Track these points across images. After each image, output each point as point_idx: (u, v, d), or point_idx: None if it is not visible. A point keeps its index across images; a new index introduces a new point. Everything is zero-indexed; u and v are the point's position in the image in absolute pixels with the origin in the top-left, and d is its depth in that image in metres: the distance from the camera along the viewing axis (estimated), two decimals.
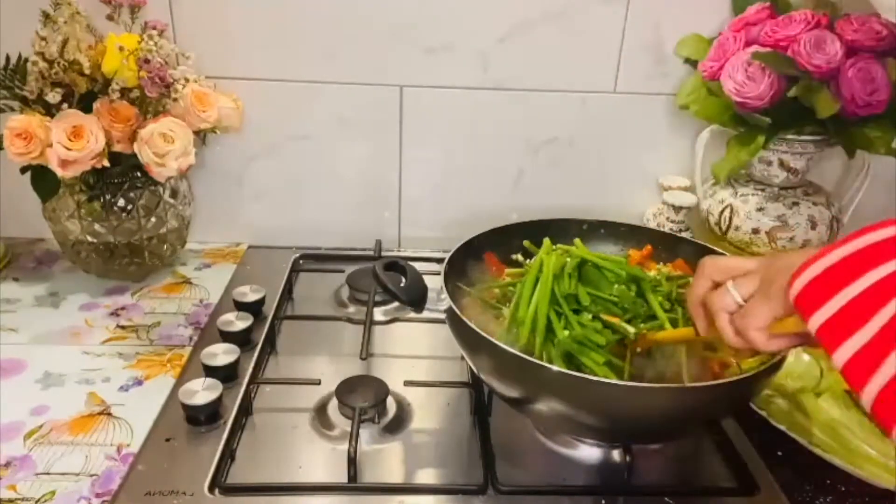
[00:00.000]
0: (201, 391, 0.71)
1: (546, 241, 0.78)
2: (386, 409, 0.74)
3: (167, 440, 0.69)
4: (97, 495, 0.62)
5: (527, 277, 0.71)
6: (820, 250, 0.46)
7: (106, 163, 0.84)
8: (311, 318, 0.90)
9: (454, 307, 0.67)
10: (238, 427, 0.71)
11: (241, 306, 0.89)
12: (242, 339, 0.83)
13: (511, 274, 0.78)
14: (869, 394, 0.41)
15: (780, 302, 0.49)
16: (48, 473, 0.64)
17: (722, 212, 1.01)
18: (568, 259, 0.72)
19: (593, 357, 0.63)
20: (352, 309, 0.94)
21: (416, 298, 0.70)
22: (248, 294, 0.90)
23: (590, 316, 0.67)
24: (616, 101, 1.03)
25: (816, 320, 0.44)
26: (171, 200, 0.95)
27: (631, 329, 0.65)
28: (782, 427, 0.70)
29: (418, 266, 0.74)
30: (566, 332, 0.65)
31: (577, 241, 0.78)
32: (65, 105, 0.83)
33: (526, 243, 0.81)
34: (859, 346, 0.42)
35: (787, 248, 0.98)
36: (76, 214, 0.91)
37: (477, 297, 0.76)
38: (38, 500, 0.62)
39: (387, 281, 0.70)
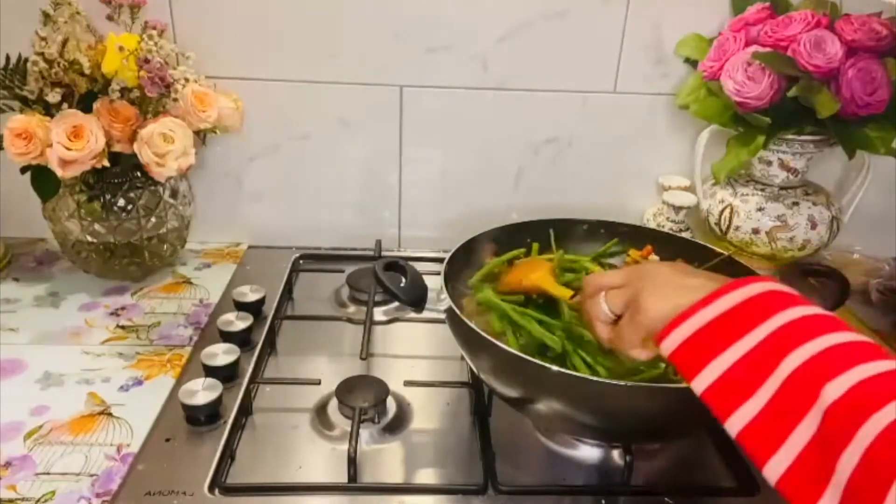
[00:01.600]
0: (201, 391, 0.71)
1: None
2: (386, 409, 0.74)
3: (167, 440, 0.69)
4: (97, 495, 0.62)
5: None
6: (684, 310, 0.47)
7: (106, 163, 0.84)
8: (311, 318, 0.90)
9: (454, 307, 0.67)
10: (238, 427, 0.71)
11: (241, 306, 0.89)
12: (242, 339, 0.83)
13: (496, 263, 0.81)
14: (772, 471, 0.41)
15: (645, 329, 0.51)
16: (48, 473, 0.64)
17: (722, 212, 1.01)
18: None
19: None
20: (352, 309, 0.94)
21: (416, 298, 0.70)
22: (248, 294, 0.90)
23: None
24: (616, 101, 1.03)
25: (699, 385, 0.45)
26: (171, 200, 0.95)
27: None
28: None
29: (418, 266, 0.74)
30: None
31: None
32: (65, 105, 0.83)
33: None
34: (750, 416, 0.42)
35: (787, 248, 0.98)
36: (76, 214, 0.91)
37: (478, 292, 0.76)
38: (38, 500, 0.62)
39: (387, 281, 0.70)
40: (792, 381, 0.41)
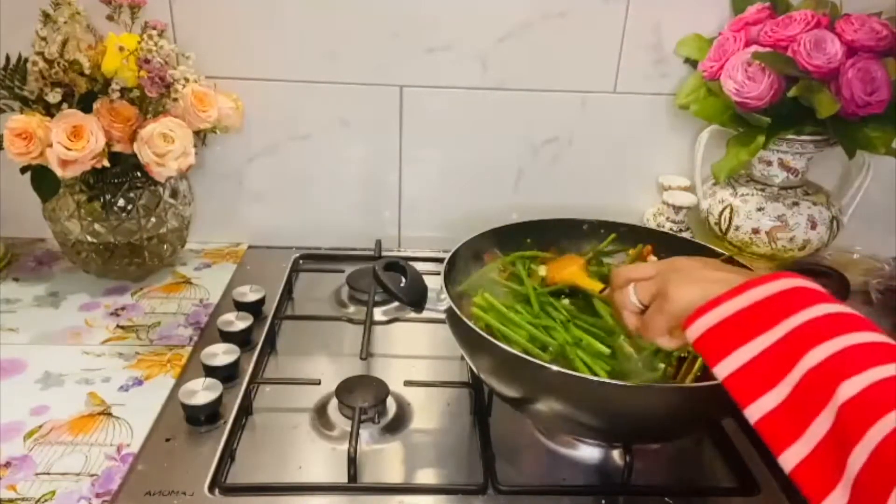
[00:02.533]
0: (201, 391, 0.71)
1: None
2: (386, 409, 0.74)
3: (167, 440, 0.69)
4: (97, 495, 0.62)
5: None
6: (712, 299, 0.48)
7: (106, 163, 0.84)
8: (311, 318, 0.90)
9: (454, 307, 0.67)
10: (238, 427, 0.71)
11: (241, 306, 0.89)
12: (242, 339, 0.83)
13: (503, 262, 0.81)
14: (788, 461, 0.42)
15: (673, 318, 0.52)
16: (48, 473, 0.64)
17: (722, 212, 1.01)
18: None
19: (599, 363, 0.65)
20: (352, 309, 0.94)
21: (416, 298, 0.70)
22: (248, 294, 0.90)
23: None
24: (616, 101, 1.03)
25: (722, 371, 0.46)
26: (171, 200, 0.95)
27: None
28: None
29: (418, 266, 0.74)
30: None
31: None
32: (65, 105, 0.83)
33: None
34: (770, 407, 0.44)
35: (787, 248, 0.98)
36: (76, 214, 0.91)
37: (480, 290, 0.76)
38: (38, 500, 0.62)
39: (387, 281, 0.70)
40: (810, 378, 0.42)
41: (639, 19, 0.98)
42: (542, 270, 0.80)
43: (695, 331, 0.49)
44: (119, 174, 0.90)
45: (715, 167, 0.97)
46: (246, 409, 0.73)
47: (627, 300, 0.58)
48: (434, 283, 0.72)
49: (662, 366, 0.67)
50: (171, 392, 0.75)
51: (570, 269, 0.76)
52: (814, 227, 0.97)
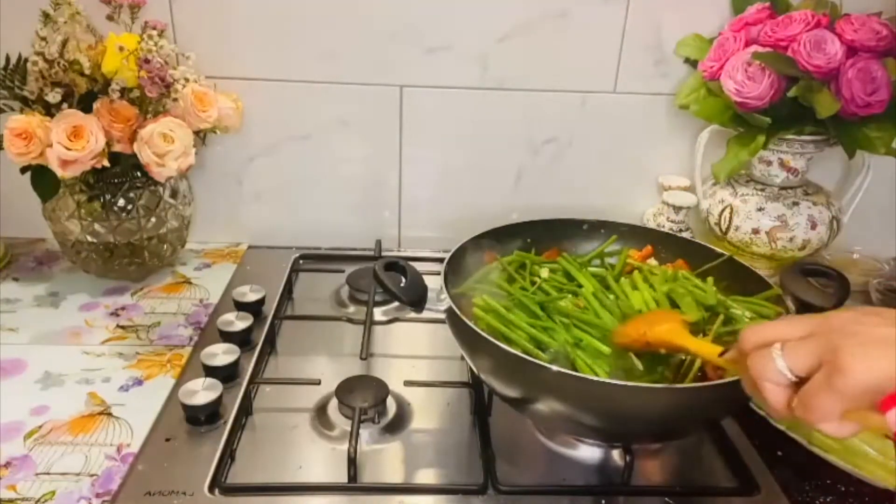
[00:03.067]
0: (201, 391, 0.71)
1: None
2: (386, 409, 0.74)
3: (167, 440, 0.69)
4: (97, 495, 0.62)
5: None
6: None
7: (106, 163, 0.84)
8: (311, 318, 0.90)
9: (454, 307, 0.67)
10: (238, 427, 0.71)
11: (241, 306, 0.89)
12: (242, 339, 0.83)
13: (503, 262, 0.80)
14: None
15: (851, 398, 0.39)
16: (48, 473, 0.64)
17: (722, 212, 1.01)
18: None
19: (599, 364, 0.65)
20: (352, 309, 0.94)
21: (416, 298, 0.70)
22: (248, 294, 0.90)
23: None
24: (616, 101, 1.03)
25: None
26: (171, 200, 0.95)
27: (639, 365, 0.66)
28: (782, 427, 0.70)
29: (418, 266, 0.74)
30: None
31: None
32: (65, 105, 0.83)
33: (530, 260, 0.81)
34: None
35: (787, 248, 0.98)
36: (76, 214, 0.91)
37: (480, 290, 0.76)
38: (38, 500, 0.62)
39: (387, 281, 0.70)
40: None
41: (639, 19, 0.98)
42: (544, 272, 0.79)
43: None
44: (119, 174, 0.90)
45: (715, 167, 0.97)
46: (246, 409, 0.73)
47: (771, 367, 0.42)
48: (434, 283, 0.72)
49: (661, 368, 0.67)
50: (171, 392, 0.75)
51: (668, 326, 0.62)
52: (814, 227, 0.97)
